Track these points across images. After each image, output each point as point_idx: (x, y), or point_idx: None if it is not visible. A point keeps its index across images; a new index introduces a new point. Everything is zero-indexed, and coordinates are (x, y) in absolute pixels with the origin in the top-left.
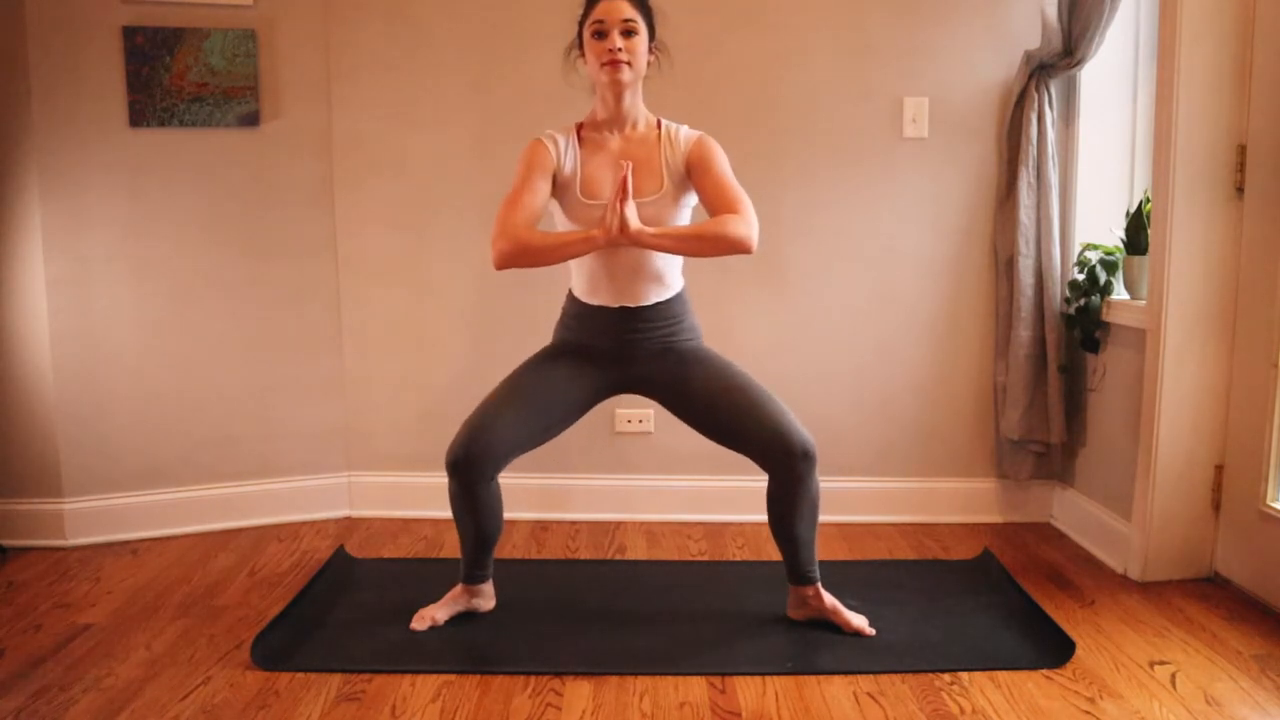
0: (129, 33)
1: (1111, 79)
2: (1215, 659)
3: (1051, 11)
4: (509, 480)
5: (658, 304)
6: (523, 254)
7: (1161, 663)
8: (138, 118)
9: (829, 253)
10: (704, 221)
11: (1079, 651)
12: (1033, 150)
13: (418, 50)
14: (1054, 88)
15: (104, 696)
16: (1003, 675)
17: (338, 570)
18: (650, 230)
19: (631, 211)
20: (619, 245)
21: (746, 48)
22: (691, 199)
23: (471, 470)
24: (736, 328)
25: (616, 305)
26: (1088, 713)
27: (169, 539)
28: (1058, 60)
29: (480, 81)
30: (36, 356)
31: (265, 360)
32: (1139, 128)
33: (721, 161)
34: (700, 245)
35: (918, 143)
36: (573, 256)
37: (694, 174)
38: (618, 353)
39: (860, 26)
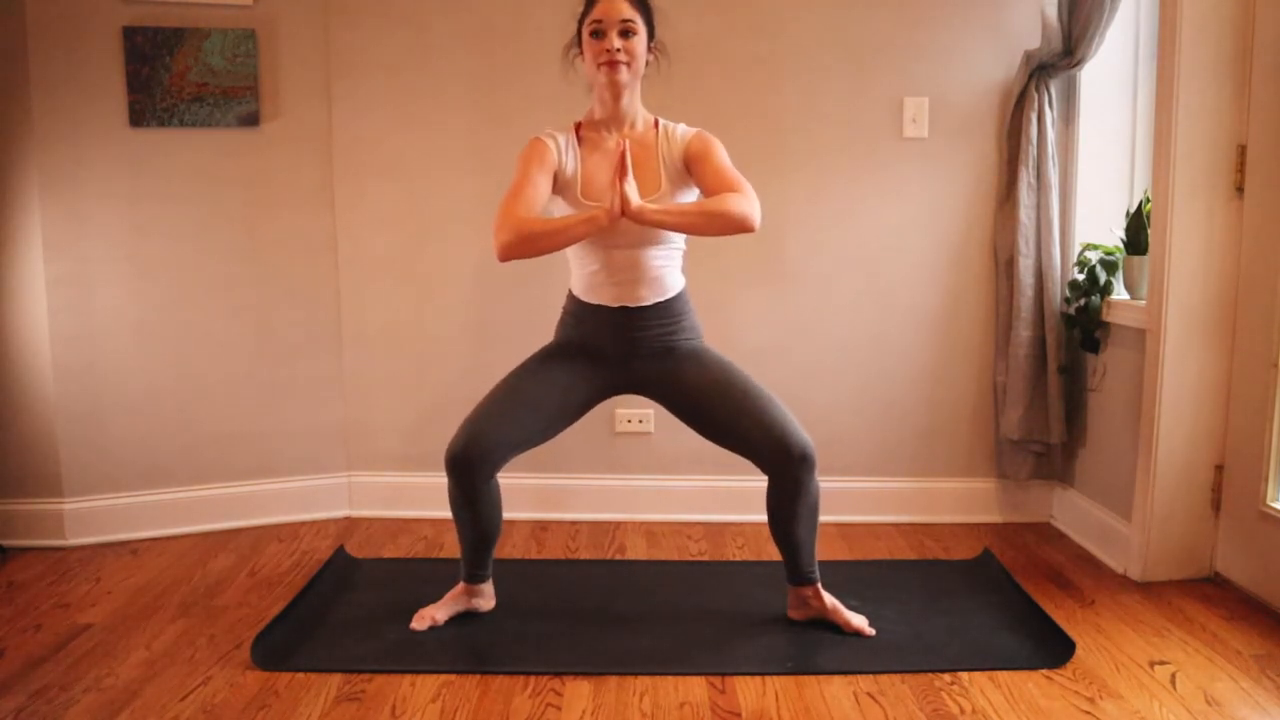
0: (129, 33)
1: (1111, 79)
2: (1215, 659)
3: (1051, 11)
4: (509, 480)
5: (657, 304)
6: (525, 242)
7: (1161, 663)
8: (138, 118)
9: (829, 252)
10: (706, 199)
11: (1079, 651)
12: (1033, 150)
13: (418, 50)
14: (1054, 88)
15: (104, 696)
16: (1003, 675)
17: (338, 570)
18: (652, 207)
19: (632, 189)
20: (620, 239)
21: (747, 48)
22: (691, 195)
23: (470, 469)
24: (736, 327)
25: (616, 305)
26: (1088, 713)
27: (169, 539)
28: (1058, 60)
29: (480, 81)
30: (36, 356)
31: (265, 360)
32: (1139, 128)
33: (720, 152)
34: (703, 222)
35: (918, 143)
36: (576, 240)
37: (693, 166)
38: (618, 352)
39: (860, 26)
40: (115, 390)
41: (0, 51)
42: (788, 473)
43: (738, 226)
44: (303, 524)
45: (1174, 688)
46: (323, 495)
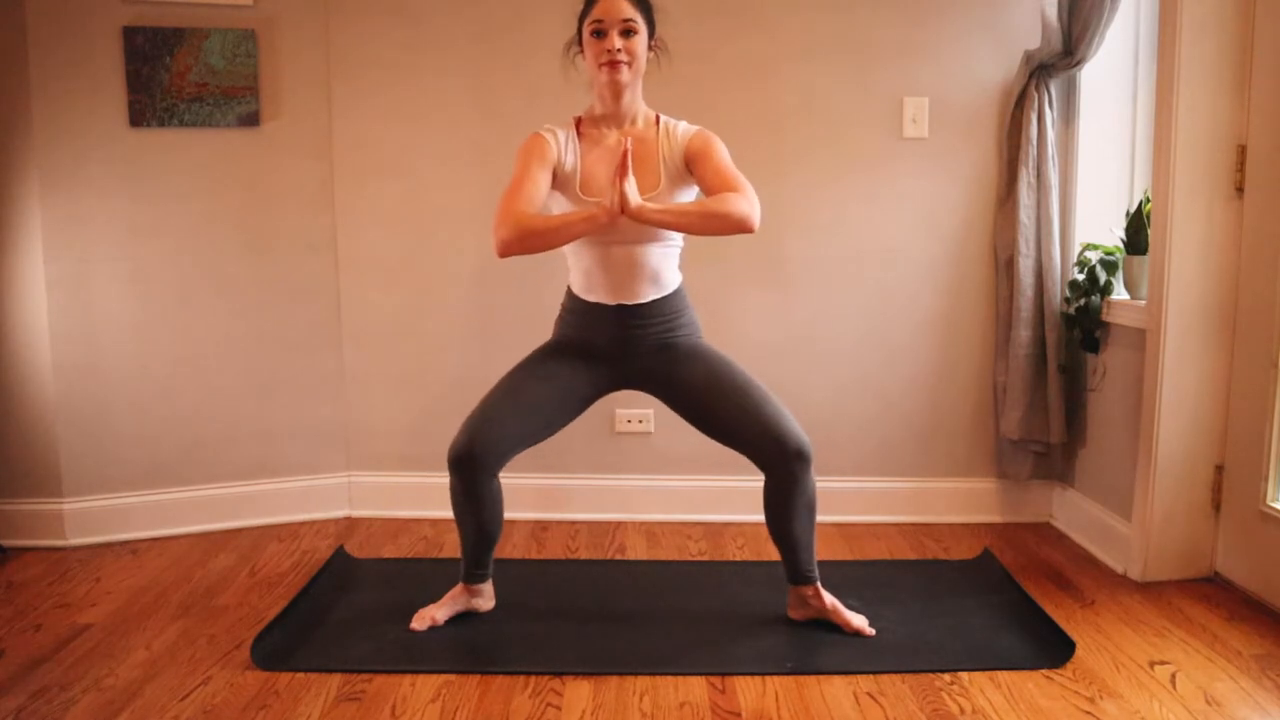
0: (129, 33)
1: (1111, 79)
2: (1215, 659)
3: (1051, 11)
4: (509, 481)
5: (655, 301)
6: (524, 238)
7: (1161, 663)
8: (138, 118)
9: (829, 253)
10: (706, 199)
11: (1079, 651)
12: (1033, 150)
13: (418, 50)
14: (1054, 88)
15: (104, 696)
16: (1003, 675)
17: (338, 570)
18: (652, 206)
19: (632, 188)
20: (619, 238)
21: (746, 48)
22: (690, 193)
23: (474, 466)
24: (736, 328)
25: (614, 303)
26: (1088, 713)
27: (169, 539)
28: (1058, 60)
29: (481, 81)
30: (36, 356)
31: (265, 360)
32: (1139, 128)
33: (721, 150)
34: (703, 222)
35: (918, 143)
36: (575, 238)
37: (694, 165)
38: (616, 349)
39: (860, 26)
40: (115, 390)
41: (1, 51)
42: (784, 469)
43: (737, 226)
44: (303, 524)
45: (1174, 688)
46: (323, 495)
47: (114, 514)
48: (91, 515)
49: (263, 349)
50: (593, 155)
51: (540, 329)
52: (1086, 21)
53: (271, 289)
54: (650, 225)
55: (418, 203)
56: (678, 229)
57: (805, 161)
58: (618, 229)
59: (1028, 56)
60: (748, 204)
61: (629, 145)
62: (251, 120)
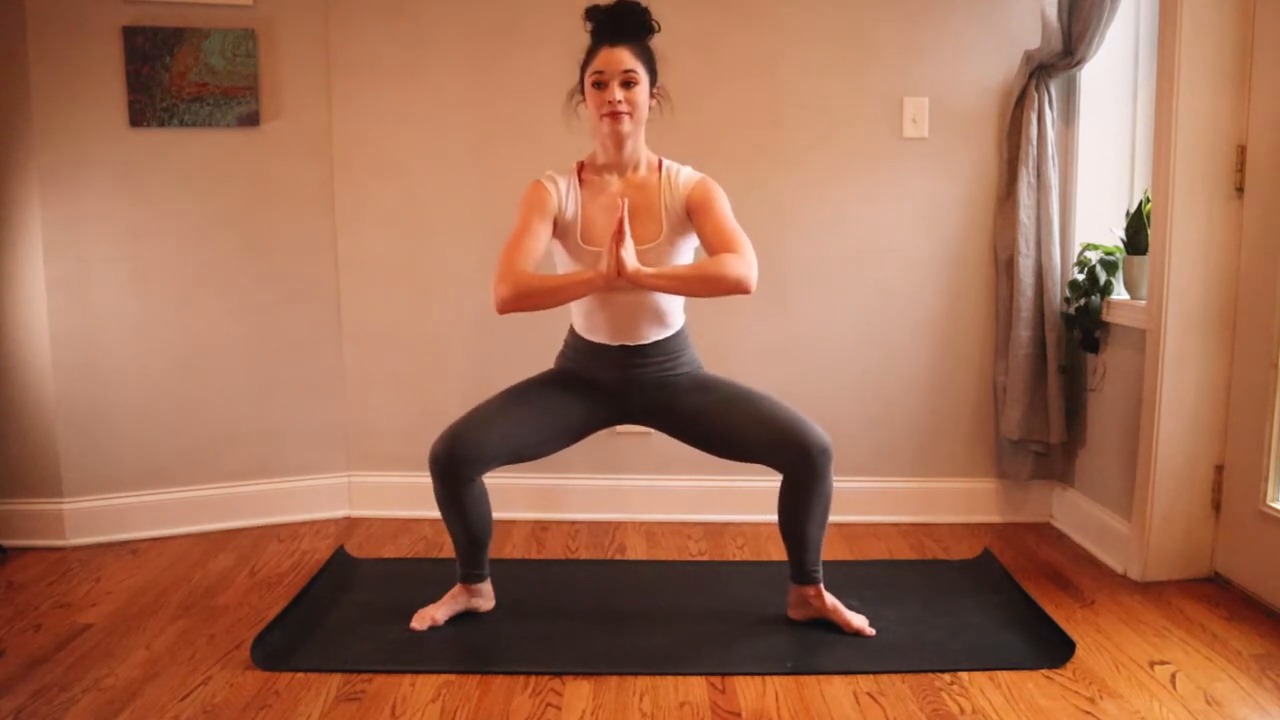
0: (129, 33)
1: (1111, 79)
2: (1215, 659)
3: (1051, 11)
4: (509, 480)
5: (658, 341)
6: (523, 298)
7: (1161, 663)
8: (138, 118)
9: (829, 252)
10: (702, 261)
11: (1079, 651)
12: (1033, 150)
13: (418, 50)
14: (1054, 88)
15: (104, 696)
16: (1003, 675)
17: (338, 570)
18: (648, 270)
19: (629, 253)
20: (617, 287)
21: (746, 47)
22: (692, 241)
23: (450, 470)
24: (736, 329)
25: (616, 344)
26: (1088, 713)
27: (169, 539)
28: (1058, 60)
29: (481, 81)
30: (36, 357)
31: (265, 360)
32: (1139, 128)
33: (722, 203)
34: (698, 285)
35: (918, 143)
36: (573, 299)
37: (694, 215)
38: (617, 387)
39: (860, 26)
40: (115, 390)
41: (0, 51)
42: (806, 467)
43: (733, 289)
44: (303, 524)
45: (1174, 688)
46: (323, 495)
47: (114, 514)
48: (91, 515)
49: (263, 349)
50: (594, 204)
51: (539, 329)
52: (1086, 21)
53: (271, 289)
54: (647, 289)
55: (418, 203)
56: (674, 292)
57: (805, 161)
58: (616, 287)
59: (1028, 56)
60: (744, 265)
61: (624, 210)
62: (251, 120)
